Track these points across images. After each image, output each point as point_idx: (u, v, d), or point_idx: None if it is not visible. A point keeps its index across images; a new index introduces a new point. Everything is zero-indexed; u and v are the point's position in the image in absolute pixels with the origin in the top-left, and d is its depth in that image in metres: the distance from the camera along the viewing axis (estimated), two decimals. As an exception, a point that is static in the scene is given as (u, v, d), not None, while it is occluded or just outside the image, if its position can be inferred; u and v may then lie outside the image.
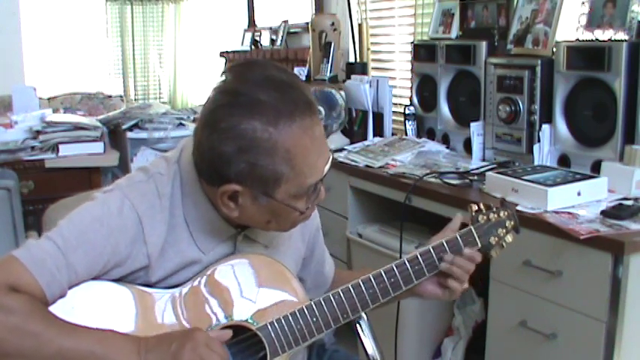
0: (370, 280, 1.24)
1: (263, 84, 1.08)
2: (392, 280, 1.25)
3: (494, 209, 1.33)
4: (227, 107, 1.08)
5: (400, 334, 2.24)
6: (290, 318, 1.19)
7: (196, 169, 1.16)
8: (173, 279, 1.19)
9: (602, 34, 2.02)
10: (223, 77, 1.13)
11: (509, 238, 1.33)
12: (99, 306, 1.13)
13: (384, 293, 1.24)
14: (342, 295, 1.22)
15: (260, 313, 1.20)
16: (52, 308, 1.10)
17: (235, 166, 1.08)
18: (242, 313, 1.20)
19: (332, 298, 1.22)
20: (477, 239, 1.30)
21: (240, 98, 1.07)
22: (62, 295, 1.10)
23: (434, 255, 1.27)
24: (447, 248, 1.28)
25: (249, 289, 1.21)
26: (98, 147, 2.98)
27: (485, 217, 1.32)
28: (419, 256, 1.27)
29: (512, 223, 1.33)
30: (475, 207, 1.33)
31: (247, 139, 1.06)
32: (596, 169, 1.98)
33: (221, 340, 1.13)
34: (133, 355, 1.06)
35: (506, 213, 1.33)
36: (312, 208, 1.19)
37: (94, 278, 1.14)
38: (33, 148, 2.90)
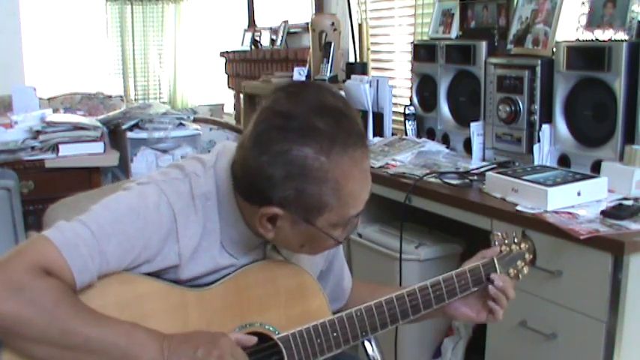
0: (393, 300, 1.24)
1: (318, 110, 1.06)
2: (413, 302, 1.25)
3: (515, 240, 1.36)
4: (280, 130, 1.05)
5: (400, 334, 2.24)
6: (312, 331, 1.18)
7: (235, 182, 1.14)
8: (203, 280, 1.18)
9: (602, 34, 2.02)
10: (274, 96, 1.10)
11: (525, 270, 1.36)
12: (125, 298, 1.11)
13: (404, 315, 1.25)
14: (364, 312, 1.22)
15: (283, 322, 1.19)
16: (79, 295, 1.07)
17: (281, 191, 1.06)
18: (265, 320, 1.19)
19: (354, 314, 1.21)
20: (498, 271, 1.32)
21: (295, 122, 1.05)
22: (91, 285, 1.08)
23: (455, 282, 1.29)
24: (469, 276, 1.30)
25: (275, 296, 1.20)
26: (98, 147, 2.97)
27: (507, 249, 1.34)
28: (442, 282, 1.28)
29: (530, 256, 1.36)
30: (499, 236, 1.35)
31: (298, 166, 1.04)
32: (596, 169, 1.98)
33: (245, 345, 1.12)
34: (157, 352, 1.05)
35: (526, 245, 1.36)
36: (347, 237, 1.18)
37: (123, 270, 1.12)
38: (33, 148, 2.90)
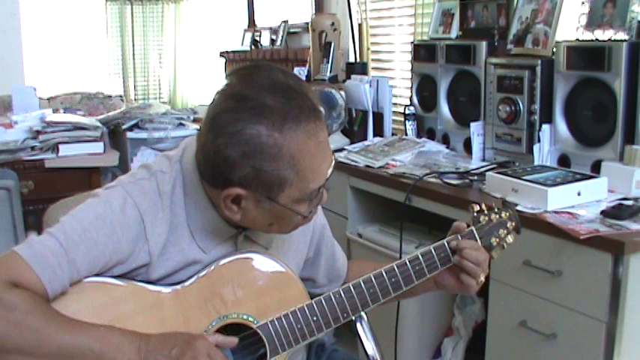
0: (371, 279, 1.24)
1: (269, 88, 1.08)
2: (393, 279, 1.25)
3: (496, 210, 1.34)
4: (232, 112, 1.07)
5: (400, 334, 2.24)
6: (290, 316, 1.19)
7: (199, 170, 1.16)
8: (174, 277, 1.19)
9: (602, 34, 2.02)
10: (228, 80, 1.13)
11: (510, 238, 1.33)
12: (101, 301, 1.13)
13: (384, 293, 1.25)
14: (342, 294, 1.23)
15: (261, 311, 1.20)
16: (54, 303, 1.09)
17: (240, 170, 1.08)
18: (243, 310, 1.20)
19: (332, 297, 1.22)
20: (478, 240, 1.30)
21: (246, 103, 1.07)
22: (63, 292, 1.10)
23: (435, 255, 1.28)
24: (448, 248, 1.28)
25: (251, 287, 1.21)
26: (98, 147, 2.98)
27: (486, 218, 1.32)
28: (420, 256, 1.27)
29: (513, 223, 1.34)
30: (477, 207, 1.33)
31: (252, 145, 1.06)
32: (596, 169, 1.98)
33: (227, 346, 1.13)
34: (133, 353, 1.06)
35: (507, 214, 1.33)
36: (314, 211, 1.19)
37: (96, 275, 1.14)
38: (33, 148, 2.91)
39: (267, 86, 1.08)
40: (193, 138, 1.20)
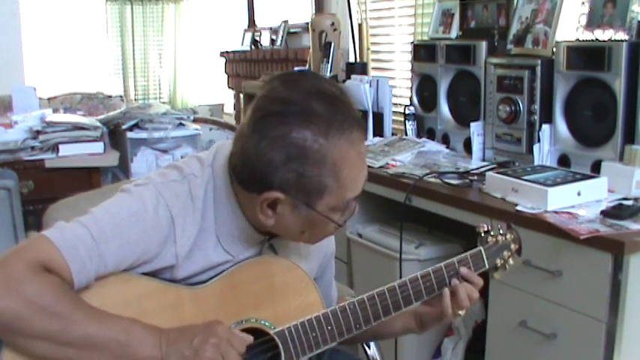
0: (385, 292, 1.26)
1: (315, 95, 1.08)
2: (405, 293, 1.27)
3: (501, 231, 1.37)
4: (279, 115, 1.07)
5: (400, 334, 2.24)
6: (307, 324, 1.19)
7: (235, 175, 1.15)
8: (198, 277, 1.19)
9: (602, 34, 2.02)
10: (269, 86, 1.12)
11: (511, 261, 1.37)
12: (123, 297, 1.13)
13: (396, 306, 1.26)
14: (357, 306, 1.23)
15: (278, 317, 1.20)
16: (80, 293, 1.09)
17: (282, 174, 1.07)
18: (261, 315, 1.20)
19: (347, 307, 1.23)
20: (486, 260, 1.33)
21: (293, 107, 1.07)
22: (88, 285, 1.09)
23: (445, 272, 1.30)
24: (457, 267, 1.31)
25: (270, 291, 1.21)
26: (98, 147, 2.98)
27: (493, 239, 1.36)
28: (431, 273, 1.29)
29: (516, 246, 1.37)
30: (484, 227, 1.36)
31: (298, 148, 1.06)
32: (596, 169, 1.98)
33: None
34: (155, 347, 1.06)
35: (512, 236, 1.37)
36: (345, 222, 1.20)
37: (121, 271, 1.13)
38: (33, 148, 2.90)
39: (313, 92, 1.09)
40: (225, 143, 1.21)
